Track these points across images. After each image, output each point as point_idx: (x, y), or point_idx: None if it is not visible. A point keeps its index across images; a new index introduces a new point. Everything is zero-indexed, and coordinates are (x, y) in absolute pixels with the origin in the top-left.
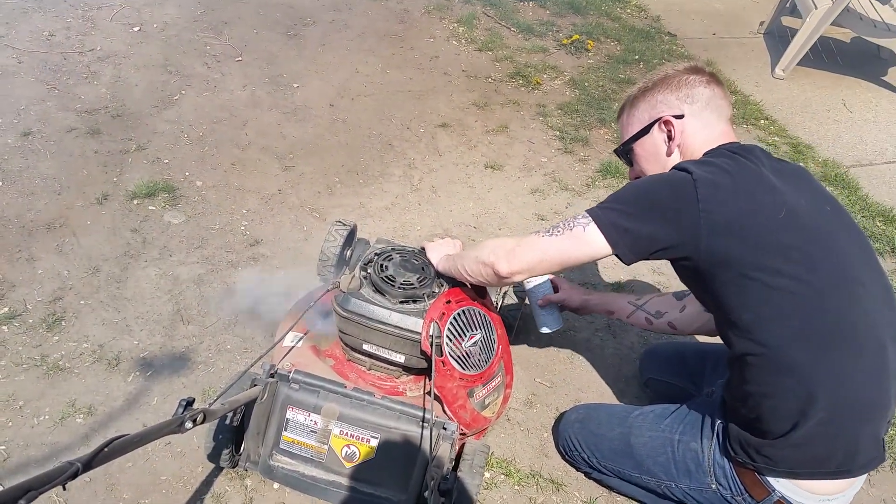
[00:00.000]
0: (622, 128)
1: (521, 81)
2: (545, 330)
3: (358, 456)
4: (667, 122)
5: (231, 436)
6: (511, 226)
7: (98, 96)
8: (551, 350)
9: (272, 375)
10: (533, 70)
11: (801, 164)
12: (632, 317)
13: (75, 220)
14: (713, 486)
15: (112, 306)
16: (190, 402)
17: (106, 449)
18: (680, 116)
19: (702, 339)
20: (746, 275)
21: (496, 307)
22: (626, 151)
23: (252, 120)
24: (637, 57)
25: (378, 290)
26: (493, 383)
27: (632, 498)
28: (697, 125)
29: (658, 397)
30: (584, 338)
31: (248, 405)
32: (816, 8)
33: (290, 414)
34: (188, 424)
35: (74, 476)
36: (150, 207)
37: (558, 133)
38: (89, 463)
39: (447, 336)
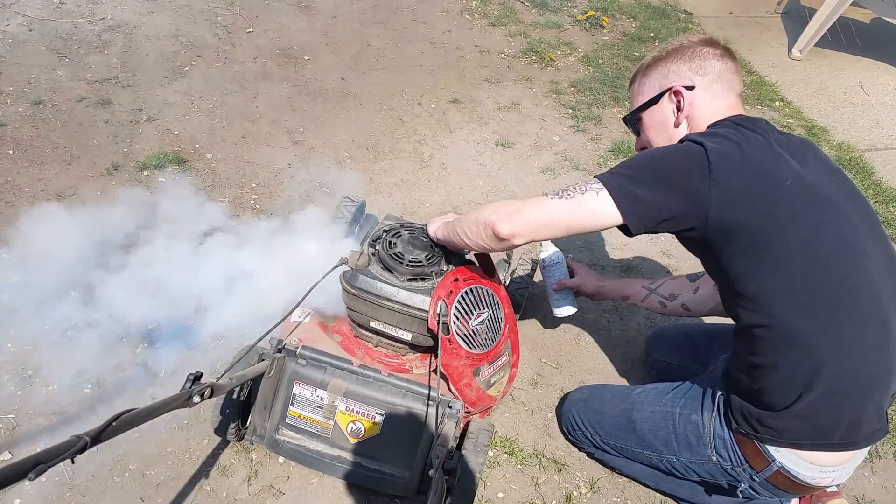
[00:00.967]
0: (633, 96)
1: (534, 58)
2: (559, 314)
3: (363, 432)
4: (677, 93)
5: (238, 410)
6: None
7: (109, 66)
8: (558, 331)
9: (279, 350)
10: (546, 46)
11: None
12: (646, 301)
13: (85, 191)
14: (713, 458)
15: None
16: (198, 377)
17: (115, 423)
18: (691, 88)
19: (709, 319)
20: (753, 245)
21: (504, 285)
22: (634, 120)
23: (262, 92)
24: (652, 35)
25: (386, 268)
26: (499, 362)
27: (633, 478)
28: (707, 97)
29: (663, 379)
30: (592, 319)
31: (255, 380)
32: None
33: (296, 389)
34: (196, 398)
35: (83, 450)
36: (160, 179)
37: (571, 111)
38: (98, 436)
39: (454, 314)
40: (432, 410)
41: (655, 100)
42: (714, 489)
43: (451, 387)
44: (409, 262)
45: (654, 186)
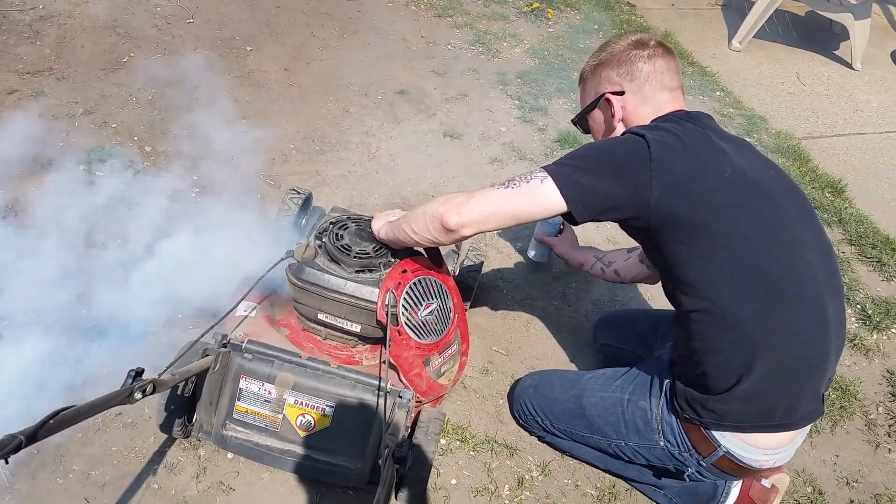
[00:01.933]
0: (579, 99)
1: (480, 49)
2: (530, 255)
3: (313, 425)
4: (608, 100)
5: (183, 406)
6: None
7: (42, 57)
8: (508, 318)
9: (224, 345)
10: (493, 38)
11: (754, 135)
12: (593, 268)
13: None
14: (661, 444)
15: None
16: (139, 373)
17: (51, 421)
18: (620, 93)
19: (654, 305)
20: (693, 232)
21: (454, 273)
22: (581, 123)
23: (203, 84)
24: (596, 27)
25: (333, 260)
26: (449, 351)
27: (583, 460)
28: (637, 100)
29: (611, 363)
30: (541, 306)
31: (200, 375)
32: None
33: (243, 384)
34: (137, 395)
35: (17, 449)
36: (97, 174)
37: (518, 102)
38: (34, 435)
39: (403, 305)
40: (382, 401)
41: (593, 105)
42: (662, 472)
43: (402, 377)
44: (357, 253)
45: (598, 175)
